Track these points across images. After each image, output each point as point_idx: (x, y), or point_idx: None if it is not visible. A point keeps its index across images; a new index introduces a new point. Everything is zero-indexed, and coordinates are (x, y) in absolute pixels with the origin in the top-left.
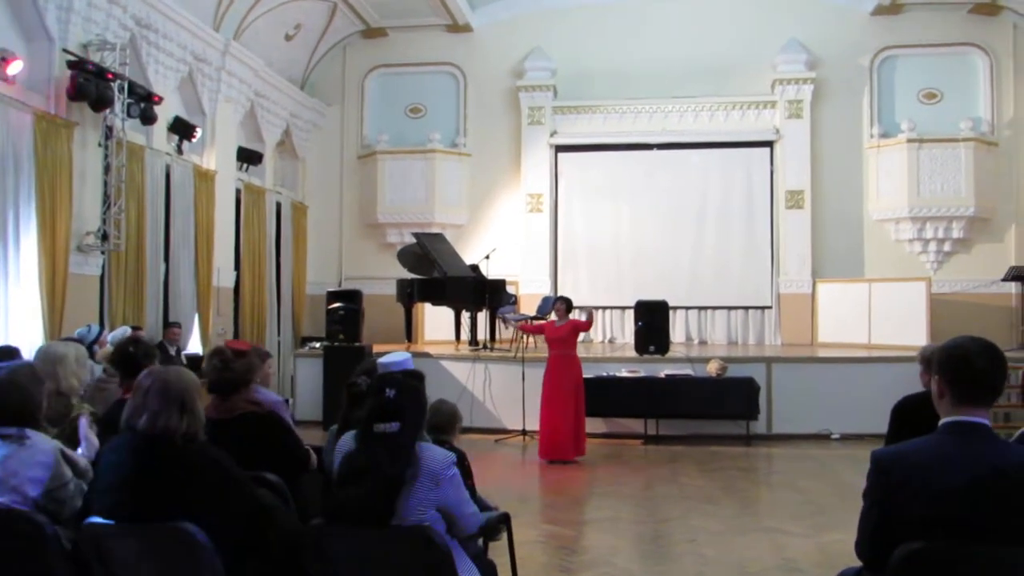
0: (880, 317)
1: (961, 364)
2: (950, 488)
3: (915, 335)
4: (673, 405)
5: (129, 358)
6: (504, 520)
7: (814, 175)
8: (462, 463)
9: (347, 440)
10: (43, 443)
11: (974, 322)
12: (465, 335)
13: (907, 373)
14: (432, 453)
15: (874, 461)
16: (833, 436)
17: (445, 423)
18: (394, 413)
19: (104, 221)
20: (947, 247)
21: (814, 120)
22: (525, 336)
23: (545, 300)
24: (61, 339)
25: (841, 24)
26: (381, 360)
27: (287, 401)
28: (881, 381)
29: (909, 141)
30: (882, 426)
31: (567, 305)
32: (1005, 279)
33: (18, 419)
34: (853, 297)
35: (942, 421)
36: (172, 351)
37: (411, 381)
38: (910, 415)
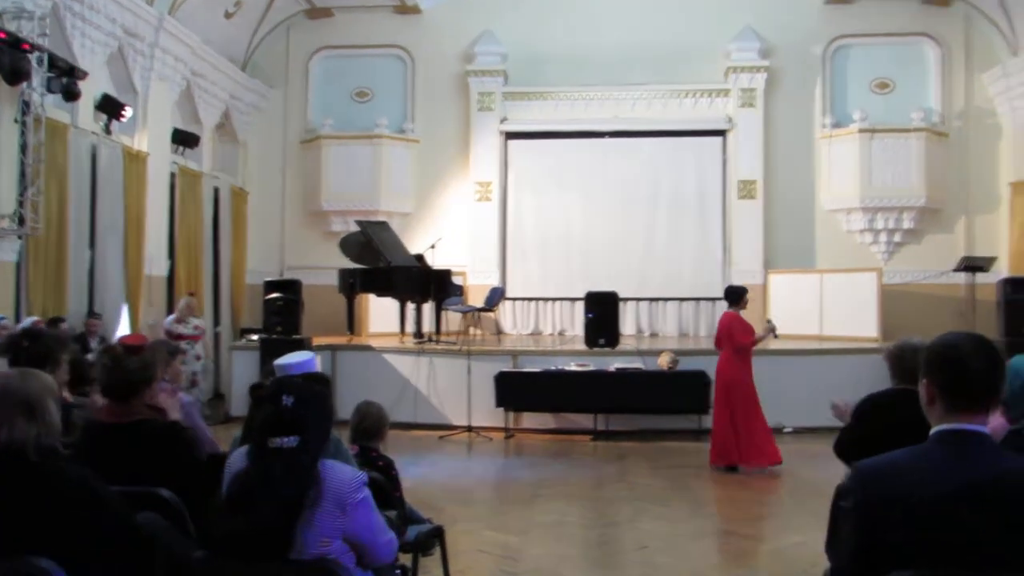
0: (832, 308)
1: (954, 366)
2: (942, 507)
3: (866, 326)
4: (623, 400)
5: (19, 355)
6: (436, 534)
7: (767, 165)
8: (389, 472)
9: (238, 456)
10: None
11: (924, 313)
12: (410, 327)
13: (860, 364)
14: (338, 473)
15: (859, 476)
16: (786, 430)
17: (373, 428)
18: (292, 425)
19: (20, 203)
20: (898, 238)
21: (767, 109)
22: (472, 329)
23: (493, 291)
24: None
25: (795, 12)
26: (278, 361)
27: (222, 397)
28: (834, 373)
29: (861, 131)
30: (836, 419)
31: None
32: (957, 269)
33: None
34: (805, 288)
35: (934, 430)
36: (94, 344)
37: (314, 387)
38: (877, 416)
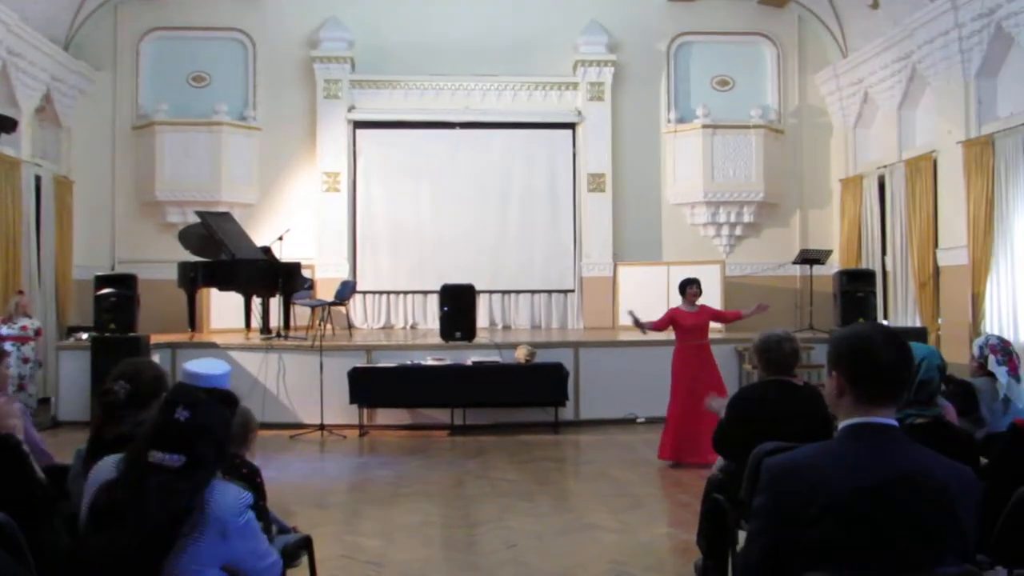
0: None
1: (866, 358)
2: (858, 502)
3: None
4: (482, 393)
5: None
6: (304, 545)
7: (615, 158)
8: (254, 481)
9: (106, 465)
10: None
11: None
12: (256, 323)
13: None
14: (223, 496)
15: (771, 474)
16: (638, 420)
17: (237, 433)
18: (180, 442)
19: None
20: (738, 231)
21: (615, 103)
22: (323, 323)
23: (343, 285)
24: None
25: (640, 8)
26: (188, 366)
27: (47, 400)
28: None
29: (704, 127)
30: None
31: (699, 288)
32: (796, 262)
33: None
34: (652, 280)
35: (844, 423)
36: None
37: (218, 407)
38: (750, 408)
